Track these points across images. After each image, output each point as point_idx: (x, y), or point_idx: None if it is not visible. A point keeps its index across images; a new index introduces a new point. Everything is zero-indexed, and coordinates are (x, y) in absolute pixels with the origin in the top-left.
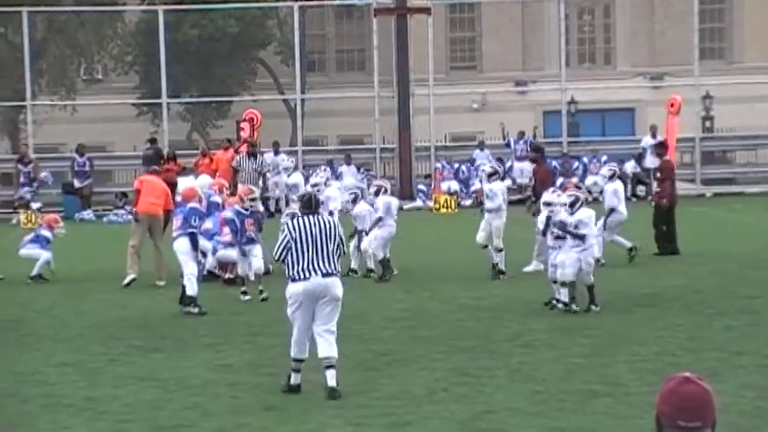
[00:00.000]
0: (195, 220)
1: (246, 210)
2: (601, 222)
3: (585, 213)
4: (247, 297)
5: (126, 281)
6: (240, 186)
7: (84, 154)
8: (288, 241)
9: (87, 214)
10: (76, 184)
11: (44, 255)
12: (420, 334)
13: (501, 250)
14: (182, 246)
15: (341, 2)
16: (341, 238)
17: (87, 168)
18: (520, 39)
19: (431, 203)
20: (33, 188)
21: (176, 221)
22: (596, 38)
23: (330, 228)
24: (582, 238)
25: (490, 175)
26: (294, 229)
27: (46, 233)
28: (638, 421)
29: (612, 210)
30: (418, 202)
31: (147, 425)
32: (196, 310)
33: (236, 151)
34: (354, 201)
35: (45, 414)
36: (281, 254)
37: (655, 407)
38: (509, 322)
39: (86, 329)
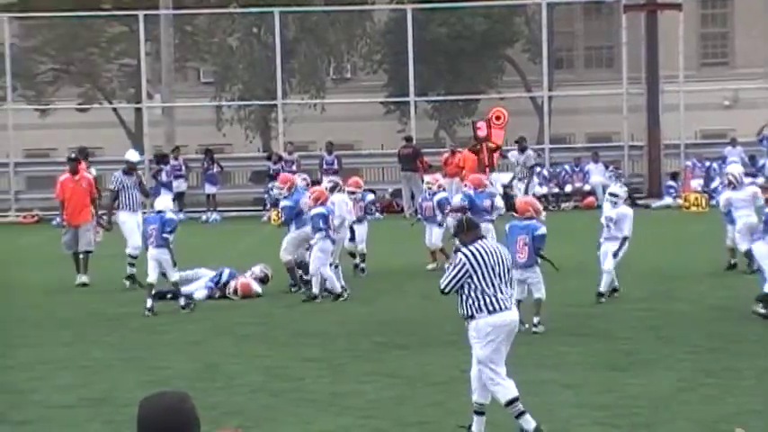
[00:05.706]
0: None
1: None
2: None
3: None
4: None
5: None
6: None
7: (332, 152)
8: (466, 271)
9: None
10: None
11: None
12: (666, 334)
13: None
14: None
15: None
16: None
17: (336, 166)
18: None
19: (680, 201)
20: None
21: None
22: None
23: (506, 255)
24: None
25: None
26: (474, 257)
27: None
28: None
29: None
30: (668, 200)
31: (391, 421)
32: None
33: (473, 152)
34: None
35: (290, 408)
36: (453, 285)
37: None
38: (759, 323)
39: (332, 326)
